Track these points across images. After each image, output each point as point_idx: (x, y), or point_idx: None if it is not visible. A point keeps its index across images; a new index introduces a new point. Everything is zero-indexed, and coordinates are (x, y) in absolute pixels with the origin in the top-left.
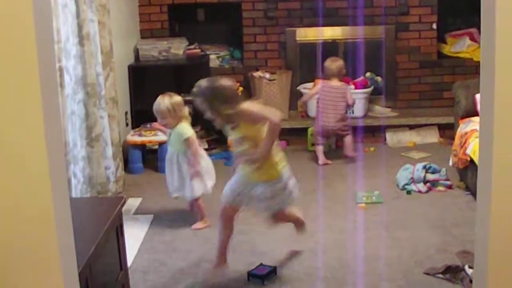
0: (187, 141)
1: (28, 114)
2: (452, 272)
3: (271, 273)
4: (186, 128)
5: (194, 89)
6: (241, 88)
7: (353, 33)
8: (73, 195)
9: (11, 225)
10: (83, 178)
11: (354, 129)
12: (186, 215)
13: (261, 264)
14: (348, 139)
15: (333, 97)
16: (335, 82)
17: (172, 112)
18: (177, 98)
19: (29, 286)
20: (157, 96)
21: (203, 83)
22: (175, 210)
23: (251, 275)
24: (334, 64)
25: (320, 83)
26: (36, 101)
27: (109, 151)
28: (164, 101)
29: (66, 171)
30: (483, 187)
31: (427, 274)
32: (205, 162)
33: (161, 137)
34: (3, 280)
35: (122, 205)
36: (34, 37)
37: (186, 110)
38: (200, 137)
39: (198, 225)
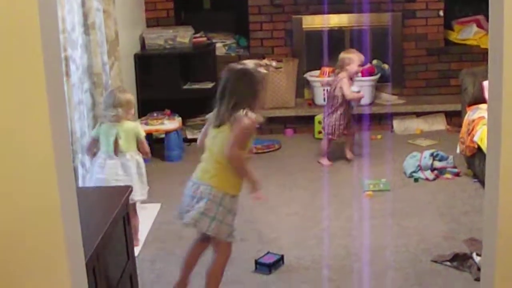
0: None
1: (33, 104)
2: (459, 260)
3: (279, 261)
4: None
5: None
6: None
7: (360, 21)
8: (81, 185)
9: (18, 215)
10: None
11: (360, 117)
12: None
13: (268, 253)
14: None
15: None
16: None
17: None
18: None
19: (36, 276)
20: (163, 85)
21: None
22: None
23: (258, 263)
24: None
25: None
26: (41, 90)
27: None
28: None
29: (72, 160)
30: (491, 174)
31: (435, 262)
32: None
33: (168, 126)
34: (10, 269)
35: (129, 194)
36: (38, 25)
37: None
38: None
39: None
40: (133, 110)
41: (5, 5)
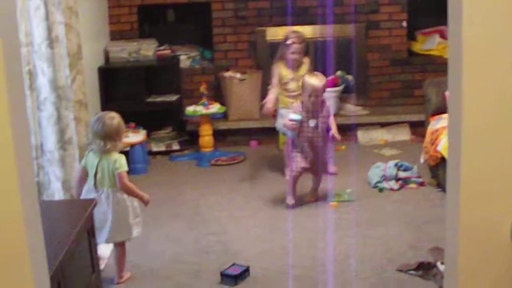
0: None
1: None
2: (424, 268)
3: (244, 273)
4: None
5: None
6: (204, 85)
7: (323, 32)
8: (56, 198)
9: None
10: (59, 181)
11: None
12: (158, 217)
13: (233, 264)
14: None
15: None
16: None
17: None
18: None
19: None
20: (128, 98)
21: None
22: (147, 212)
23: (224, 275)
24: None
25: None
26: (3, 103)
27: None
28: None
29: (34, 173)
30: (452, 183)
31: (400, 271)
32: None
33: (132, 139)
34: None
35: (93, 207)
36: None
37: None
38: (171, 138)
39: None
40: (123, 138)
41: None
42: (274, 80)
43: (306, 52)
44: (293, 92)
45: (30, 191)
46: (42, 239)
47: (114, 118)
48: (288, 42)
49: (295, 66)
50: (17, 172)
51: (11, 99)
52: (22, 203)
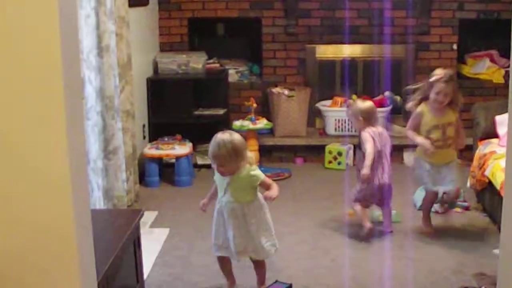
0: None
1: (51, 127)
2: None
3: None
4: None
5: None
6: (252, 100)
7: (373, 52)
8: (97, 207)
9: (33, 237)
10: (100, 190)
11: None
12: (202, 229)
13: (276, 281)
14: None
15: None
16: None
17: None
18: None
19: None
20: (175, 110)
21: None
22: (191, 224)
23: None
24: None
25: None
26: (60, 112)
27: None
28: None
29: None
30: (508, 216)
31: None
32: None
33: (178, 151)
34: None
35: (140, 218)
36: (59, 47)
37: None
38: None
39: None
40: (243, 157)
41: (27, 26)
42: (413, 123)
43: (455, 95)
44: (435, 142)
45: (83, 200)
46: (92, 249)
47: (229, 132)
48: (433, 79)
49: (440, 110)
50: (70, 181)
51: (68, 107)
52: (74, 212)
